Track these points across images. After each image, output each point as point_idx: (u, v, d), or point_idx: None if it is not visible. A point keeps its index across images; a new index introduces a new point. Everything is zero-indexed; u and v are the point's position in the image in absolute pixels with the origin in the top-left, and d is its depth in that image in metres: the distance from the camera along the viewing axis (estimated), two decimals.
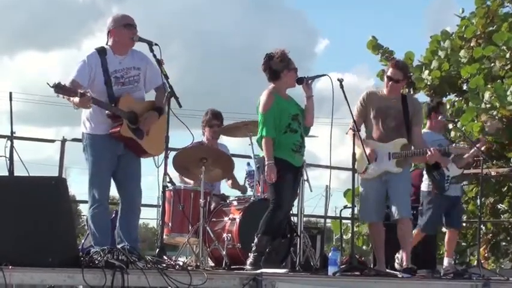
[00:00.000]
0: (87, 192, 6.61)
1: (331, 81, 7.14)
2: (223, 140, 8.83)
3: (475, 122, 13.06)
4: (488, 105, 13.05)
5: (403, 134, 7.51)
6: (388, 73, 7.59)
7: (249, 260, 6.86)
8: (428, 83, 14.70)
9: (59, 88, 6.26)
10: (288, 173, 6.99)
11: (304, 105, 7.23)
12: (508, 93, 12.94)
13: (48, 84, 6.21)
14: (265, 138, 6.96)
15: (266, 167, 6.93)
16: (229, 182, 8.72)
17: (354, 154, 7.07)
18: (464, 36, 14.90)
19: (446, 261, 8.60)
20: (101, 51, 6.63)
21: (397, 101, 7.55)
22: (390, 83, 7.54)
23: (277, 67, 7.08)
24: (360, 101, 7.62)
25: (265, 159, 6.96)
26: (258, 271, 6.27)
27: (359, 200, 7.71)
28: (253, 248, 6.89)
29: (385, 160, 7.43)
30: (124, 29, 6.64)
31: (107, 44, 6.71)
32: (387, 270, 7.46)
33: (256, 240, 6.88)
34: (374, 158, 7.40)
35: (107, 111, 6.54)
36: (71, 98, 6.35)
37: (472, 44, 14.81)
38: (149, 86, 6.84)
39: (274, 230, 6.97)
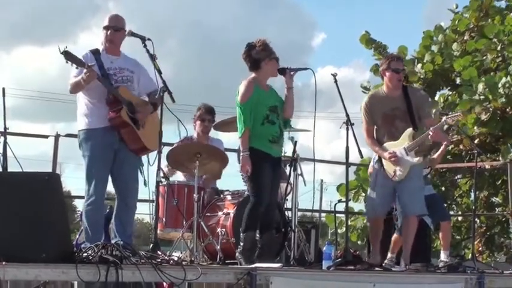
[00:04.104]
0: (84, 188, 6.67)
1: (313, 74, 7.19)
2: (219, 134, 8.82)
3: (470, 113, 13.04)
4: (482, 97, 13.04)
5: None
6: (392, 66, 7.41)
7: (239, 259, 6.83)
8: (422, 77, 14.69)
9: (68, 55, 6.39)
10: (265, 164, 6.87)
11: (285, 96, 7.14)
12: (500, 85, 12.93)
13: (59, 49, 6.34)
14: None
15: (241, 158, 6.87)
16: None
17: (347, 148, 7.03)
18: (458, 29, 14.89)
19: (443, 255, 8.58)
20: (95, 52, 6.77)
21: (400, 98, 7.42)
22: (396, 75, 7.38)
23: (258, 56, 6.98)
24: (364, 110, 7.48)
25: (241, 149, 6.91)
26: (253, 265, 6.27)
27: (369, 194, 7.64)
28: (241, 246, 6.85)
29: (404, 157, 7.32)
30: (103, 30, 6.79)
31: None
32: (382, 264, 7.45)
33: (241, 237, 6.84)
34: (396, 156, 7.24)
35: (108, 94, 6.60)
36: (76, 78, 6.53)
37: (465, 38, 14.80)
38: (143, 90, 6.90)
39: (257, 223, 6.89)
